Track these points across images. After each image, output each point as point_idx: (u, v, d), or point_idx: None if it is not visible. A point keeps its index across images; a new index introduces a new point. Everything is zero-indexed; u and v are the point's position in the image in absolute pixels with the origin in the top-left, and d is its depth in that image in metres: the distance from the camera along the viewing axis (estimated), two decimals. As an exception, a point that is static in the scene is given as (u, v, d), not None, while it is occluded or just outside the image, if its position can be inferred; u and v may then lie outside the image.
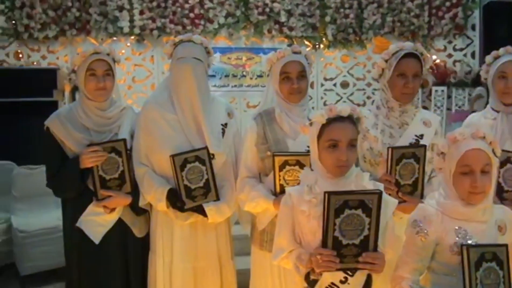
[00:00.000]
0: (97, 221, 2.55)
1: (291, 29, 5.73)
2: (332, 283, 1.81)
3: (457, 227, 1.84)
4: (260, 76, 5.78)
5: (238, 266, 2.73)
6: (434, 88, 5.68)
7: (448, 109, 5.69)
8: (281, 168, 2.26)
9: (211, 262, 2.59)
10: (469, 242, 1.80)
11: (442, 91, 5.67)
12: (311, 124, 1.89)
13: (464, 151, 1.81)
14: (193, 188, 2.46)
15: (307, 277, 1.85)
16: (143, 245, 2.65)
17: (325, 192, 1.71)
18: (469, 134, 1.83)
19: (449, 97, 5.71)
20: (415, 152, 2.28)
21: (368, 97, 6.04)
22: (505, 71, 2.51)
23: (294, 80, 2.39)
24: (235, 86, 5.79)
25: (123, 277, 2.61)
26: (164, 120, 2.53)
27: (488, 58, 2.61)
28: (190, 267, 2.55)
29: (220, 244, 2.63)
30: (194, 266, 2.56)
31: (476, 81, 5.43)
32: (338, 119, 1.83)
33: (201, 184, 2.47)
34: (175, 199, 2.47)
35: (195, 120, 2.51)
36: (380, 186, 1.88)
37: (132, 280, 2.63)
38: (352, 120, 1.86)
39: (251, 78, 5.82)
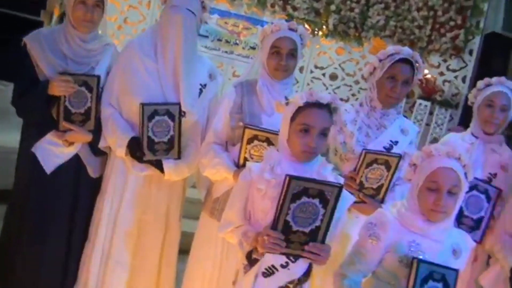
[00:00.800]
0: (53, 151, 2.49)
1: (294, 8, 5.64)
2: (273, 266, 1.81)
3: (411, 240, 1.83)
4: (253, 48, 5.68)
5: (183, 228, 2.71)
6: (418, 101, 5.69)
7: (427, 124, 5.71)
8: (250, 141, 2.22)
9: (158, 218, 2.56)
10: (420, 257, 1.79)
11: (426, 106, 5.68)
12: (287, 103, 1.86)
13: (436, 168, 1.79)
14: (157, 142, 2.41)
15: (249, 255, 1.84)
16: (95, 187, 2.59)
17: (286, 175, 1.68)
18: (445, 151, 1.81)
19: (430, 113, 5.73)
20: (388, 160, 2.25)
21: (353, 95, 6.00)
22: (493, 100, 2.51)
23: (283, 57, 2.34)
24: (226, 52, 5.68)
25: (69, 214, 2.55)
26: (144, 66, 2.45)
27: (480, 84, 2.60)
28: (136, 218, 2.52)
29: (171, 202, 2.60)
30: (140, 219, 2.53)
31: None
32: (316, 105, 1.80)
33: (165, 140, 2.42)
34: (135, 148, 2.42)
35: (175, 73, 2.44)
36: (341, 181, 1.87)
37: (77, 218, 2.58)
38: (329, 109, 1.83)
39: (243, 48, 5.72)
